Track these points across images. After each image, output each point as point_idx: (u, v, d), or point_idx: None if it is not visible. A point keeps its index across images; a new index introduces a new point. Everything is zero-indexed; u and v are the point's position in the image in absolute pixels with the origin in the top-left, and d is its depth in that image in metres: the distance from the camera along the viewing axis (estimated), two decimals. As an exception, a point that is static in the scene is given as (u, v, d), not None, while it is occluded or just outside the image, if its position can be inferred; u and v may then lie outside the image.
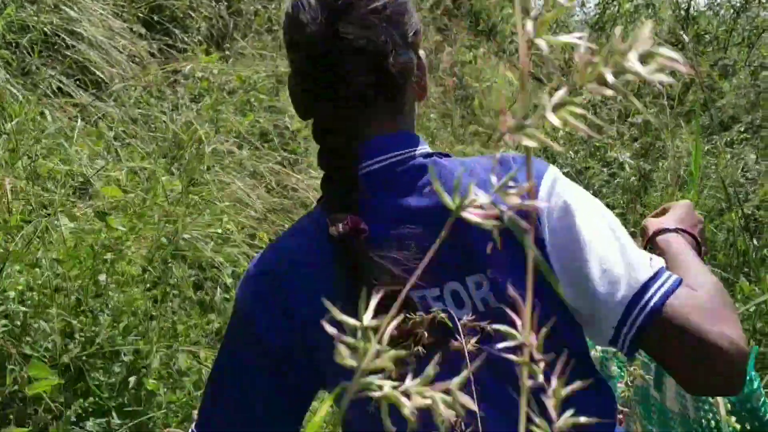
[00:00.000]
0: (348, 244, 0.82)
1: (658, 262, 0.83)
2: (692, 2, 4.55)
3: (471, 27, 6.89)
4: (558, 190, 0.84)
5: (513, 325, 0.35)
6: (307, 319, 0.85)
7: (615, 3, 4.61)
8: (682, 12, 4.64)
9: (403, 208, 0.86)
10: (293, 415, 0.93)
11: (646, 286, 0.79)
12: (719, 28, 4.87)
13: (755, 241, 3.02)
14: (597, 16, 5.14)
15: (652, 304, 0.78)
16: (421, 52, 0.93)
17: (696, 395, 1.06)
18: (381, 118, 0.89)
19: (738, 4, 4.60)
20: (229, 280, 2.43)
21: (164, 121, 2.88)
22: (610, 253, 0.81)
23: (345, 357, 0.32)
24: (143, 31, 3.94)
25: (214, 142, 2.77)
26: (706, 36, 4.88)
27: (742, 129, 3.80)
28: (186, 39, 4.11)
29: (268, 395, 0.90)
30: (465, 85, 6.36)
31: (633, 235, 0.92)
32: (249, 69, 3.95)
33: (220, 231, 2.18)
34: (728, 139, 3.93)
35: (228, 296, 2.41)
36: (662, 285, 0.80)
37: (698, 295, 0.80)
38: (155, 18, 4.17)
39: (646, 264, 0.82)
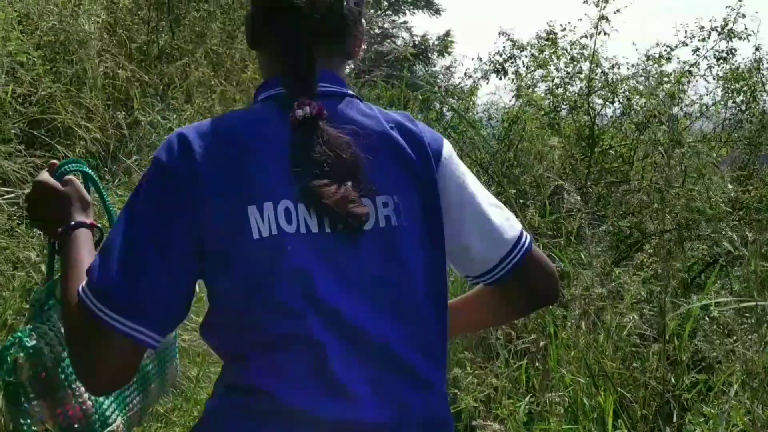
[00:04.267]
0: (312, 124, 0.97)
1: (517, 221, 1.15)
2: (596, 120, 4.58)
3: None
4: (449, 149, 1.11)
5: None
6: (255, 191, 0.94)
7: (521, 120, 4.60)
8: (587, 129, 4.67)
9: (354, 121, 1.03)
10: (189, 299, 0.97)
11: (521, 235, 1.12)
12: (623, 144, 4.92)
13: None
14: (503, 131, 5.13)
15: (526, 246, 1.11)
16: (363, 21, 1.12)
17: (533, 309, 1.61)
18: (332, 56, 1.08)
19: (639, 121, 4.67)
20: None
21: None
22: (492, 200, 1.13)
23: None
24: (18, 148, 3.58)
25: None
26: (611, 152, 4.92)
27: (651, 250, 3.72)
28: (69, 154, 3.77)
29: (188, 267, 0.94)
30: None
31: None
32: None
33: None
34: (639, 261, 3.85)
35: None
36: (528, 236, 1.13)
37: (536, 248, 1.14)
38: (36, 132, 3.84)
39: (515, 219, 1.14)
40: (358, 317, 0.94)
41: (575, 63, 4.82)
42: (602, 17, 4.26)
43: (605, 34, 4.34)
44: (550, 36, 4.66)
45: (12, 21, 4.72)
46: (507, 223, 1.10)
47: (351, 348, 0.93)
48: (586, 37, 4.73)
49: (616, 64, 4.56)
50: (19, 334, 1.16)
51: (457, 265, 1.12)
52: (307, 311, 0.92)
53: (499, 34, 5.56)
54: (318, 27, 1.03)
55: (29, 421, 1.15)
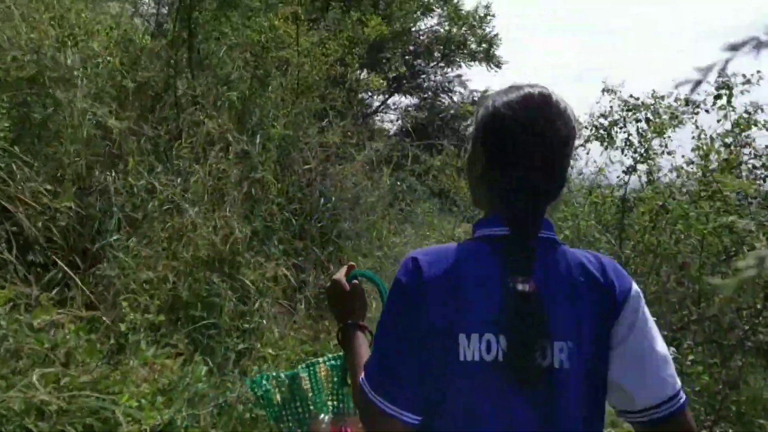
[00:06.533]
0: (528, 299, 1.21)
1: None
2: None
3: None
4: (636, 293, 1.28)
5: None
6: (466, 320, 1.22)
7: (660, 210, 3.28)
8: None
9: (551, 267, 1.26)
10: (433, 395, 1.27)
11: (679, 392, 1.25)
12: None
13: None
14: (615, 220, 3.83)
15: (679, 404, 1.24)
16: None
17: None
18: (548, 202, 1.31)
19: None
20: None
21: None
22: (663, 353, 1.25)
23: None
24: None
25: None
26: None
27: None
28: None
29: (429, 366, 1.24)
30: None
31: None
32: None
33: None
34: None
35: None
36: (683, 396, 1.25)
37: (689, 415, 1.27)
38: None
39: (676, 377, 1.26)
40: None
41: (720, 122, 3.52)
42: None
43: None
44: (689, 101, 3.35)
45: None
46: (669, 379, 1.24)
47: None
48: (723, 89, 3.45)
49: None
50: (282, 373, 1.83)
51: (610, 397, 1.27)
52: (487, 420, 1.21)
53: (604, 91, 4.30)
54: (541, 183, 1.27)
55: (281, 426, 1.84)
